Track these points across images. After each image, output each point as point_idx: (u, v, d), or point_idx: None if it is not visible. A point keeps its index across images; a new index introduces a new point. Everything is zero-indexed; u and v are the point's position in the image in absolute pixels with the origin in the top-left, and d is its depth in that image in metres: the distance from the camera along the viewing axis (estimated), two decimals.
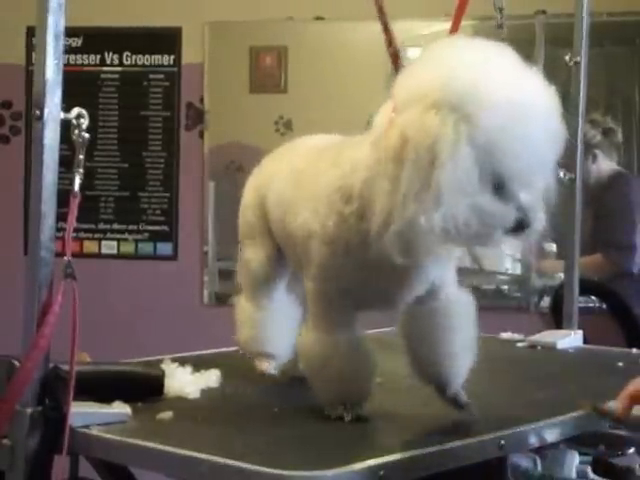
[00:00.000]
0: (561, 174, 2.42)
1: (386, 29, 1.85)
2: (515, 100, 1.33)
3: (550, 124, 1.36)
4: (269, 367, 1.83)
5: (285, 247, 1.74)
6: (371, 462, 1.30)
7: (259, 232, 1.82)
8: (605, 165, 4.06)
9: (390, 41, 1.84)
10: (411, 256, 1.38)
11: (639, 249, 3.91)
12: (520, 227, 1.37)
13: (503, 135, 1.32)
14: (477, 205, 1.33)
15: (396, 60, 1.83)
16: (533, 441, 1.56)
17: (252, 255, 1.84)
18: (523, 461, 1.75)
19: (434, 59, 1.41)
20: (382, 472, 1.30)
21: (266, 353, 1.84)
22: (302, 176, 1.63)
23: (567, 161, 2.47)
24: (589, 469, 1.89)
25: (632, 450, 1.95)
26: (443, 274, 1.56)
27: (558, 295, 2.99)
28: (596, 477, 1.89)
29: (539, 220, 1.39)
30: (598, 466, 1.92)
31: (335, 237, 1.49)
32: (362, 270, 1.49)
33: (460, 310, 1.58)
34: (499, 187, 1.34)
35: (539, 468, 1.78)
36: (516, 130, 1.32)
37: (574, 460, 1.85)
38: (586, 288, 3.12)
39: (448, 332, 1.56)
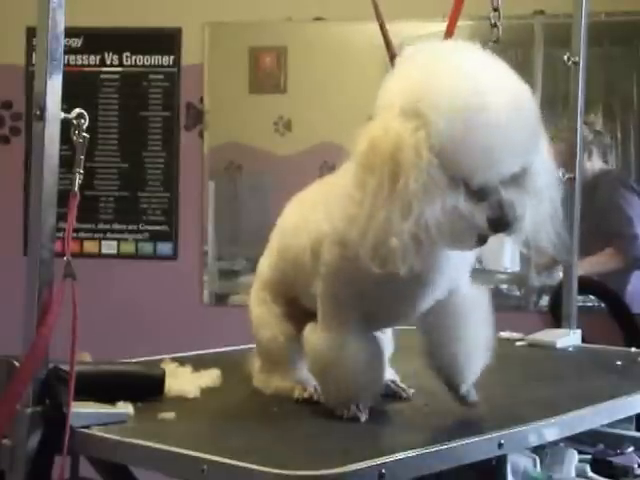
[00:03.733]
0: (560, 173, 2.43)
1: (384, 33, 1.86)
2: (473, 102, 1.32)
3: (514, 123, 1.34)
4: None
5: (299, 282, 1.66)
6: (371, 462, 1.30)
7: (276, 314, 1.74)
8: (596, 163, 4.16)
9: (388, 44, 1.85)
10: (388, 267, 1.36)
11: None
12: (499, 226, 1.36)
13: (459, 139, 1.31)
14: (443, 209, 1.33)
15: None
16: (533, 440, 1.56)
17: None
18: (522, 460, 1.76)
19: (403, 68, 1.42)
20: (382, 471, 1.30)
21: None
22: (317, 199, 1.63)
23: (566, 160, 2.48)
24: (588, 468, 1.89)
25: (631, 449, 1.96)
26: (458, 278, 1.56)
27: (557, 294, 2.99)
28: (595, 476, 1.89)
29: (520, 216, 1.37)
30: (597, 465, 1.92)
31: (347, 240, 1.47)
32: (376, 275, 1.46)
33: (475, 307, 1.58)
34: (469, 189, 1.34)
35: (538, 467, 1.79)
36: (472, 132, 1.31)
37: (573, 459, 1.85)
38: (585, 287, 3.13)
39: (463, 330, 1.56)
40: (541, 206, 1.41)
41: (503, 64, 1.41)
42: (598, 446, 1.97)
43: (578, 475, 1.86)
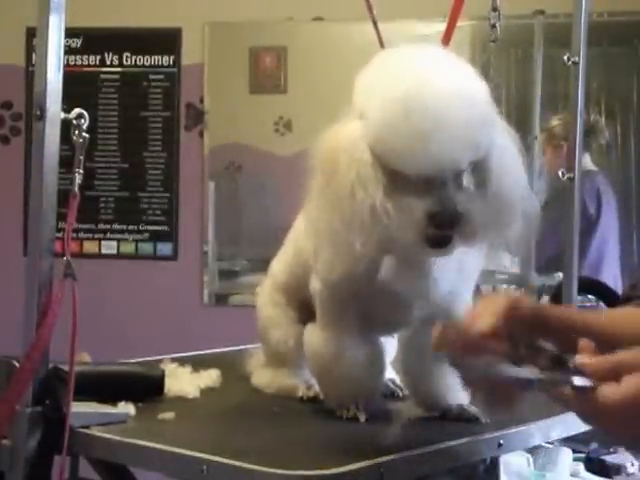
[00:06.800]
0: (560, 173, 2.43)
1: (377, 32, 1.88)
2: (406, 94, 1.28)
3: (455, 115, 1.27)
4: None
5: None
6: (371, 462, 1.30)
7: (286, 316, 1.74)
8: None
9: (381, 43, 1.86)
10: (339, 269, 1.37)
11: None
12: (440, 222, 1.28)
13: (391, 128, 1.28)
14: (372, 206, 1.29)
15: None
16: (532, 440, 1.56)
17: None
18: (516, 459, 1.76)
19: (364, 75, 1.42)
20: (381, 471, 1.30)
21: None
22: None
23: (568, 160, 2.48)
24: (582, 466, 1.89)
25: (623, 448, 1.96)
26: (457, 291, 1.50)
27: (557, 294, 2.99)
28: (588, 474, 1.89)
29: (465, 213, 1.29)
30: (591, 464, 1.93)
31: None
32: (374, 276, 1.46)
33: None
34: (410, 182, 1.29)
35: (532, 466, 1.79)
36: (403, 119, 1.27)
37: (567, 458, 1.86)
38: (585, 287, 3.13)
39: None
40: (495, 203, 1.34)
41: (462, 65, 1.35)
42: (591, 445, 1.97)
43: (572, 474, 1.87)
